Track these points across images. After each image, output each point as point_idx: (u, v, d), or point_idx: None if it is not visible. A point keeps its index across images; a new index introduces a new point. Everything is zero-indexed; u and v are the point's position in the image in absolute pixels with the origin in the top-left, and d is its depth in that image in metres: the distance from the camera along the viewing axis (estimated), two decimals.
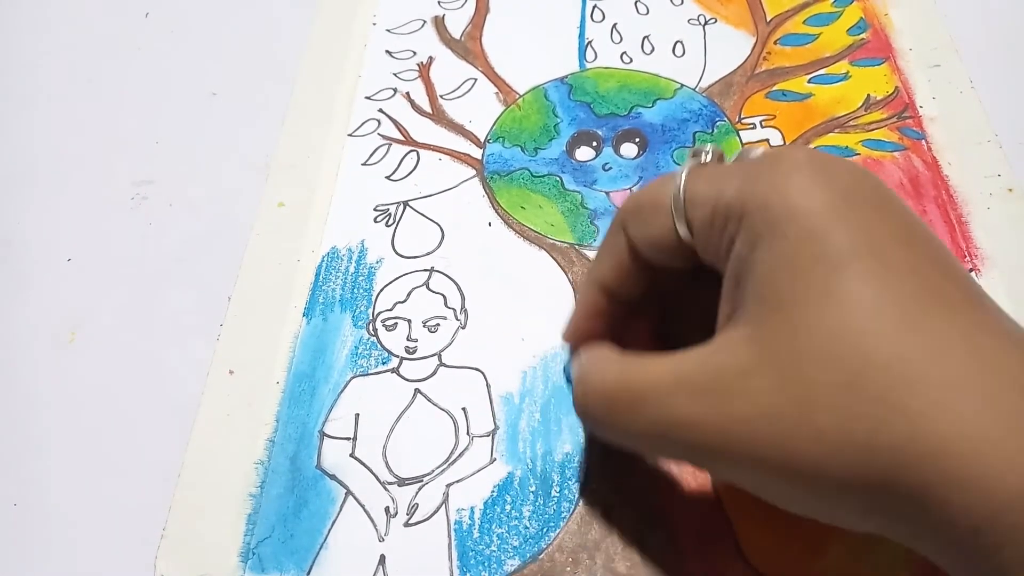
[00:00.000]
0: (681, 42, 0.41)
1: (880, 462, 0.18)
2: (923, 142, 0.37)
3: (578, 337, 0.26)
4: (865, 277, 0.19)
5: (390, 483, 0.29)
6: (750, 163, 0.22)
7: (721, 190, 0.22)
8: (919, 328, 0.18)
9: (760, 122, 0.38)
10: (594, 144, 0.38)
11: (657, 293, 0.26)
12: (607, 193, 0.36)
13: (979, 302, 0.19)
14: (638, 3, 0.43)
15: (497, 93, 0.40)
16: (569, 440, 0.30)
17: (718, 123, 0.38)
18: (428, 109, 0.39)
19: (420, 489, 0.29)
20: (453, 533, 0.28)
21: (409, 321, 0.33)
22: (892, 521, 0.19)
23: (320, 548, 0.28)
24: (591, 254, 0.34)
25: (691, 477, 0.28)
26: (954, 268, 0.20)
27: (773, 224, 0.20)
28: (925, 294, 0.19)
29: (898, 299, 0.18)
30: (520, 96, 0.40)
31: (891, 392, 0.18)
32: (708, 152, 0.24)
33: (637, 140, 0.38)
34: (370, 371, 0.31)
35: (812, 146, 0.37)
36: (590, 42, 0.42)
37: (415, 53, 0.42)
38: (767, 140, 0.37)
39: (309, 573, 0.27)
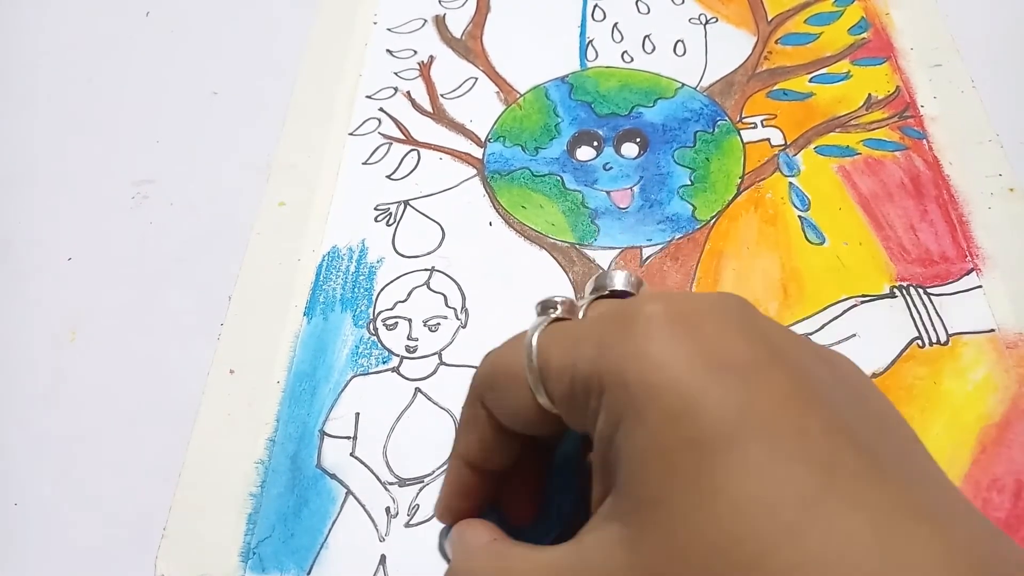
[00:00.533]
0: (682, 41, 0.41)
1: None
2: (924, 142, 0.37)
3: (450, 516, 0.25)
4: (743, 466, 0.16)
5: (391, 483, 0.29)
6: (603, 323, 0.20)
7: (576, 359, 0.19)
8: (810, 525, 0.15)
9: (761, 121, 0.38)
10: (595, 144, 0.38)
11: (537, 451, 0.24)
12: (608, 193, 0.36)
13: (887, 465, 0.17)
14: (639, 2, 0.43)
15: (498, 92, 0.40)
16: (568, 440, 0.29)
17: (719, 123, 0.38)
18: (429, 108, 0.39)
19: (421, 490, 0.29)
20: None
21: (410, 320, 0.33)
22: None
23: (320, 548, 0.28)
24: (592, 253, 0.34)
25: None
26: (855, 422, 0.17)
27: (633, 404, 0.18)
28: (819, 475, 0.16)
29: (785, 490, 0.16)
30: (521, 95, 0.40)
31: None
32: (557, 307, 0.21)
33: (638, 140, 0.38)
34: (370, 370, 0.31)
35: (813, 147, 0.37)
36: (591, 41, 0.42)
37: (416, 52, 0.42)
38: (768, 139, 0.37)
39: (309, 573, 0.27)
